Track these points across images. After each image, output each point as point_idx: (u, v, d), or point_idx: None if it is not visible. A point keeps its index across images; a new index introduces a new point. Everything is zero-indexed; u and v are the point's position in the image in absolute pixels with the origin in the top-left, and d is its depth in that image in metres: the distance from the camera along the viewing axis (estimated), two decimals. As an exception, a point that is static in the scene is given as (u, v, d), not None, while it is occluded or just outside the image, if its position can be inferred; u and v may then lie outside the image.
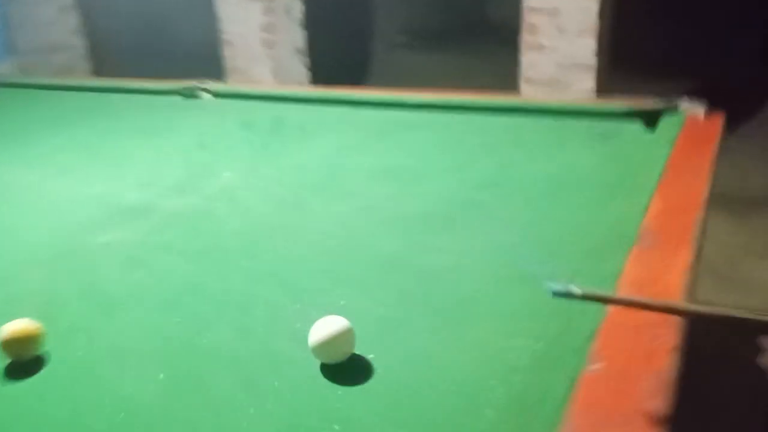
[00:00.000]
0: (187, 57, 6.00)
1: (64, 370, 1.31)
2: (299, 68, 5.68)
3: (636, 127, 2.18)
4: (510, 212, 1.73)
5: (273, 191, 2.06)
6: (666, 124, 2.09)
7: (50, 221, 1.99)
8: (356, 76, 6.95)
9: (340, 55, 6.93)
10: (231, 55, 5.67)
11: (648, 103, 2.30)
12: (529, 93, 4.37)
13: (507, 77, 4.75)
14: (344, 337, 1.20)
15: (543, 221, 1.66)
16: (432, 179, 2.00)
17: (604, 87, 4.30)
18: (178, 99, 3.04)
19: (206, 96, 3.01)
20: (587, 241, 1.49)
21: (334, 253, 1.61)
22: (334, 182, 2.09)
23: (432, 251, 1.56)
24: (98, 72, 6.30)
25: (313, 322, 1.22)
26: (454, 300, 1.36)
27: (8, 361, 1.35)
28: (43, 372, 1.31)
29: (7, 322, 1.39)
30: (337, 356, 1.21)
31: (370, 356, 1.21)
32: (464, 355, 1.20)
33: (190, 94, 3.02)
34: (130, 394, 1.23)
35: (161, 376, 1.27)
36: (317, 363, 1.21)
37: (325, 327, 1.20)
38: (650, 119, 2.26)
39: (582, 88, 4.22)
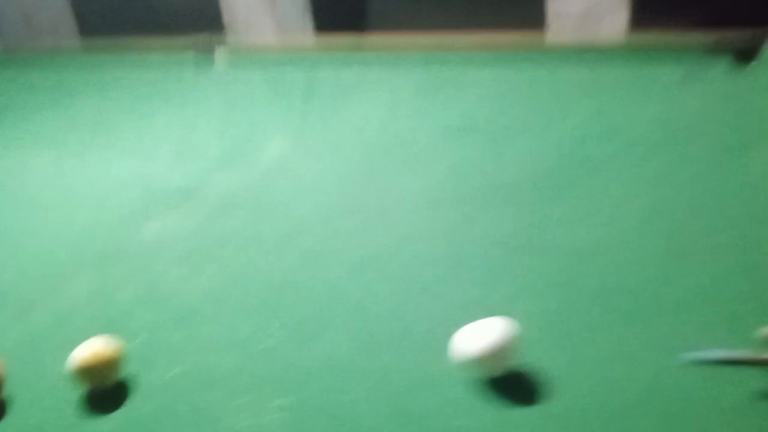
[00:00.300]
0: (178, 14, 5.59)
1: (155, 401, 1.09)
2: (303, 20, 5.32)
3: (725, 67, 1.94)
4: (637, 169, 1.49)
5: (332, 161, 1.81)
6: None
7: (84, 213, 1.73)
8: (365, 26, 6.56)
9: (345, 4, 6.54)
10: (229, 8, 5.28)
11: (738, 36, 2.05)
12: (558, 28, 4.08)
13: (534, 11, 4.44)
14: (509, 344, 0.98)
15: (677, 176, 1.43)
16: (516, 138, 1.76)
17: (638, 20, 4.03)
18: (189, 59, 2.70)
19: (220, 55, 2.69)
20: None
21: (441, 235, 1.38)
22: (400, 148, 1.84)
23: (563, 224, 1.33)
24: (84, 31, 5.85)
25: (451, 323, 1.00)
26: (619, 285, 1.14)
27: (85, 389, 1.12)
28: (128, 405, 1.08)
29: (66, 343, 1.16)
30: (499, 368, 0.99)
31: (531, 365, 0.99)
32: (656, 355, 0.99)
33: (203, 54, 2.68)
34: (247, 428, 1.01)
35: (276, 403, 1.04)
36: (468, 377, 0.99)
37: (484, 332, 0.97)
38: (742, 56, 2.02)
39: (615, 21, 3.95)
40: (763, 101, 1.63)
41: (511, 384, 0.98)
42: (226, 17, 5.23)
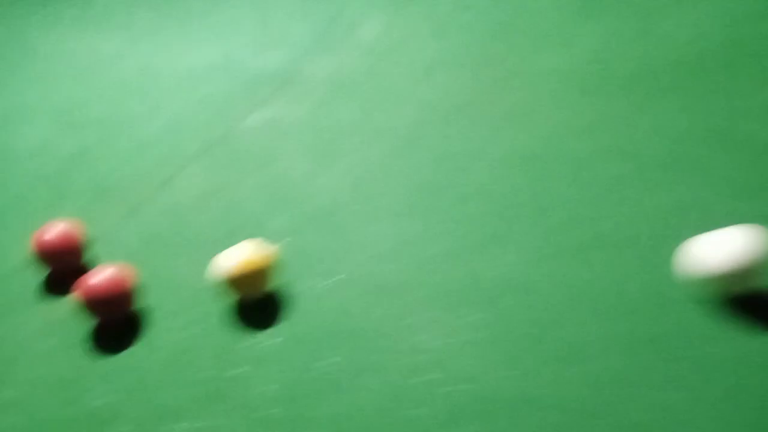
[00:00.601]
0: None
1: (316, 315, 0.96)
2: None
3: None
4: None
5: (443, 43, 1.59)
6: None
7: (176, 100, 1.56)
8: None
9: None
10: None
11: None
12: None
13: None
14: (757, 259, 0.82)
15: None
16: (670, 12, 1.53)
17: None
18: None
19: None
20: None
21: (607, 126, 1.20)
22: (526, 26, 1.61)
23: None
24: None
25: (663, 231, 0.87)
26: None
27: (234, 300, 1.00)
28: (285, 320, 0.96)
29: (194, 248, 1.03)
30: (743, 286, 0.84)
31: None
32: None
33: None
34: (439, 349, 0.88)
35: (468, 320, 0.91)
36: (704, 295, 0.85)
37: (727, 243, 0.82)
38: None
39: None
40: None
41: (758, 305, 0.84)
42: None
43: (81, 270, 1.09)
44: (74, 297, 1.00)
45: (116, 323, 1.00)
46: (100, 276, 0.97)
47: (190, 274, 1.06)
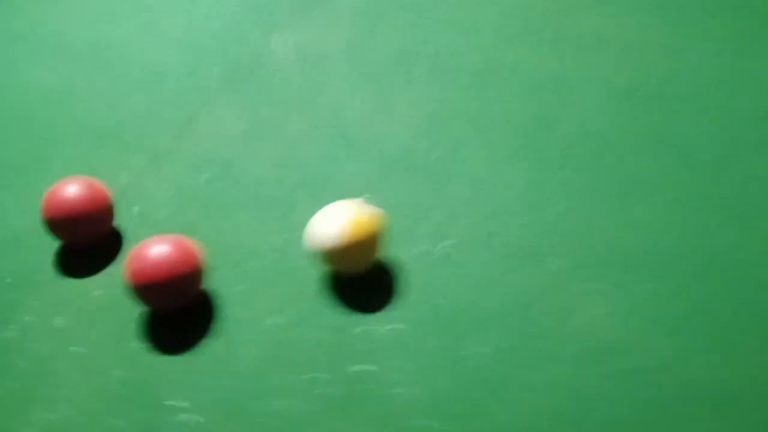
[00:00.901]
0: None
1: (435, 294, 0.78)
2: None
3: None
4: None
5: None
6: None
7: (186, 26, 1.28)
8: None
9: None
10: None
11: None
12: None
13: None
14: None
15: None
16: None
17: None
18: None
19: None
20: None
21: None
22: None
23: None
24: None
25: None
26: None
27: (335, 273, 0.80)
28: (402, 299, 0.77)
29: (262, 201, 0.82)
30: None
31: None
32: None
33: None
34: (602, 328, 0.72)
35: (640, 289, 0.75)
36: None
37: None
38: None
39: None
40: None
41: None
42: None
43: (109, 239, 0.86)
44: (126, 279, 0.77)
45: (181, 312, 0.79)
46: (156, 251, 0.74)
47: (259, 243, 0.85)
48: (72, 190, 0.83)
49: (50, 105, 1.11)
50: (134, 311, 0.80)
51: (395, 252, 0.83)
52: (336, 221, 0.76)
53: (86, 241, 0.85)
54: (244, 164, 0.97)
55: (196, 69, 1.14)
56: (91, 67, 1.18)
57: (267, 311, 0.79)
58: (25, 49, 1.23)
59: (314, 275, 0.81)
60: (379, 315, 0.77)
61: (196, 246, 0.77)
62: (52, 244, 0.89)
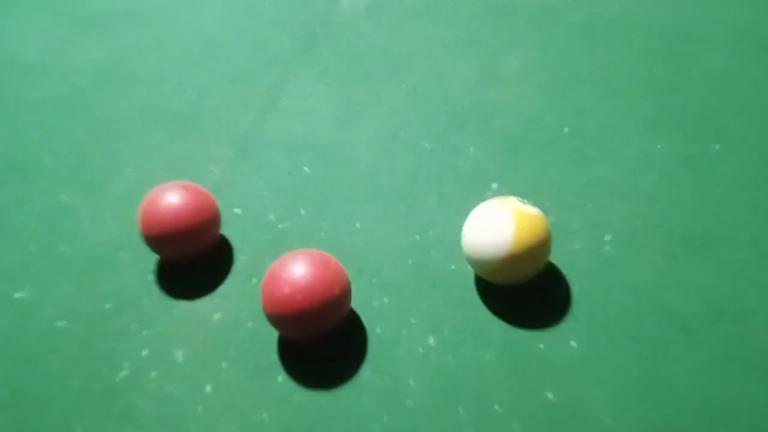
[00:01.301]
0: None
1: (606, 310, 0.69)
2: None
3: None
4: None
5: None
6: None
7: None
8: None
9: None
10: None
11: None
12: None
13: None
14: None
15: None
16: None
17: None
18: None
19: None
20: None
21: None
22: None
23: None
24: None
25: None
26: None
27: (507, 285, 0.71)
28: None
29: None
30: None
31: None
32: None
33: None
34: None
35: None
36: None
37: None
38: None
39: None
40: None
41: None
42: None
43: (215, 250, 0.74)
44: (266, 308, 0.66)
45: (325, 335, 0.69)
46: (300, 276, 0.63)
47: (389, 247, 0.75)
48: (175, 199, 0.71)
49: (104, 88, 0.96)
50: (267, 337, 0.70)
51: (552, 251, 0.73)
52: (501, 227, 0.65)
53: (192, 254, 0.74)
54: (344, 148, 0.86)
55: (262, 39, 1.00)
56: (140, 40, 1.03)
57: (422, 331, 0.69)
58: (67, 24, 1.07)
59: (463, 283, 0.71)
60: (555, 330, 0.68)
61: (335, 263, 0.67)
62: (147, 259, 0.77)
